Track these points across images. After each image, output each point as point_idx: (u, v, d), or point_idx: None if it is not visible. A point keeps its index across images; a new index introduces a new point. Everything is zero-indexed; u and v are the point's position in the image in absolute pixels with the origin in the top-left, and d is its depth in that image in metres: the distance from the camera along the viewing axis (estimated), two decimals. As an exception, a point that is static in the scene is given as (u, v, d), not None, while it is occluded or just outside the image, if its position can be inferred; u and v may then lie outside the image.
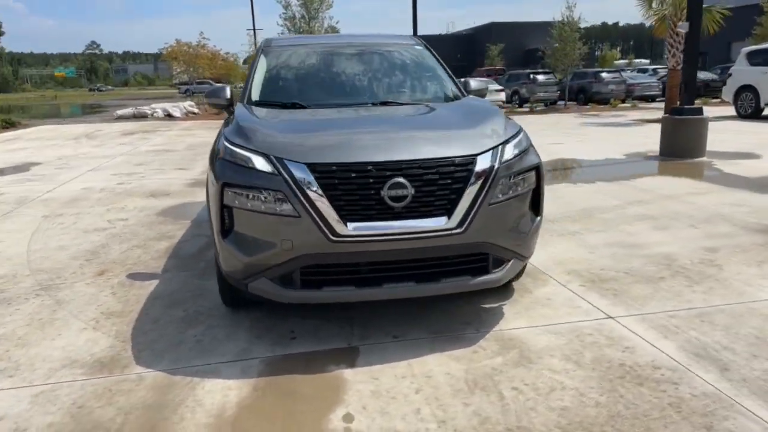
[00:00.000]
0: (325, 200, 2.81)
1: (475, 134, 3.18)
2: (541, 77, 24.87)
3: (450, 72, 4.52)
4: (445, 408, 2.53)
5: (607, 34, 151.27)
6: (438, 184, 2.90)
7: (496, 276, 3.13)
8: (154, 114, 24.02)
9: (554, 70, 23.91)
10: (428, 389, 2.69)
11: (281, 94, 4.11)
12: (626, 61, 67.73)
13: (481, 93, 4.44)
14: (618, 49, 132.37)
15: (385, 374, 2.83)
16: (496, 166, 3.01)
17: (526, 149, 3.28)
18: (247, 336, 3.29)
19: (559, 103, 24.36)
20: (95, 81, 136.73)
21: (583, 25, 24.72)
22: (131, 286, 4.18)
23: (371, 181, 2.83)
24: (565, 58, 21.98)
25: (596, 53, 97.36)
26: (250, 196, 2.91)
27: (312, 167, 2.84)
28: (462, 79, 4.51)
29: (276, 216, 2.86)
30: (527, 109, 23.12)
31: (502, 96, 24.58)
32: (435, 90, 4.31)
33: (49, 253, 5.01)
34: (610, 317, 3.42)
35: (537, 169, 3.26)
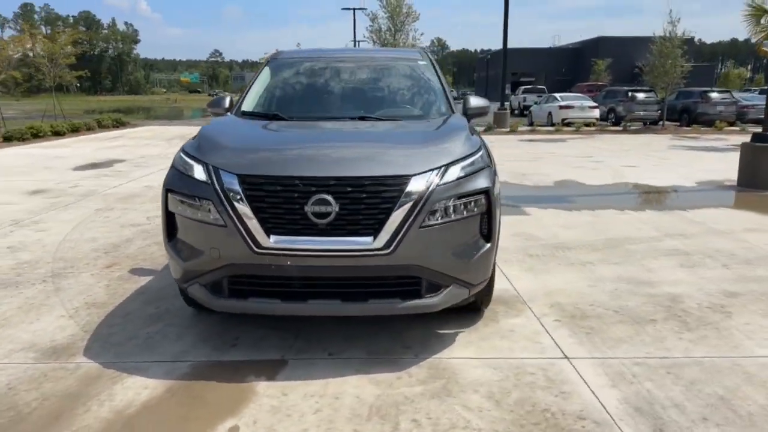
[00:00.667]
0: (250, 211, 2.85)
1: (422, 153, 3.08)
2: (640, 95, 23.40)
3: (447, 88, 4.40)
4: (332, 432, 2.47)
5: (736, 51, 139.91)
6: (365, 202, 2.85)
7: (430, 301, 3.00)
8: (249, 119, 25.32)
9: (653, 87, 22.39)
10: (328, 411, 2.63)
11: (267, 106, 4.21)
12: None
13: (479, 111, 4.28)
14: (749, 67, 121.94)
15: (296, 391, 2.81)
16: (432, 188, 2.89)
17: (477, 171, 3.12)
18: (193, 339, 3.39)
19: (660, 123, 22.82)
20: (215, 87, 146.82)
21: (709, 41, 22.87)
22: (128, 280, 4.45)
23: (296, 195, 2.84)
24: (665, 75, 20.52)
25: (721, 71, 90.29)
26: (187, 203, 3.02)
27: (242, 178, 2.90)
28: (464, 95, 4.38)
29: (206, 224, 2.95)
30: (621, 128, 21.88)
31: (596, 113, 23.44)
32: (421, 106, 4.21)
33: (77, 244, 5.46)
34: (566, 357, 3.16)
35: (486, 193, 3.10)
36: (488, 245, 3.16)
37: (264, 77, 4.54)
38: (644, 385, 2.86)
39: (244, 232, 2.84)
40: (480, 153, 3.25)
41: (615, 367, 3.05)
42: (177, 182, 3.11)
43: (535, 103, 27.36)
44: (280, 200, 2.85)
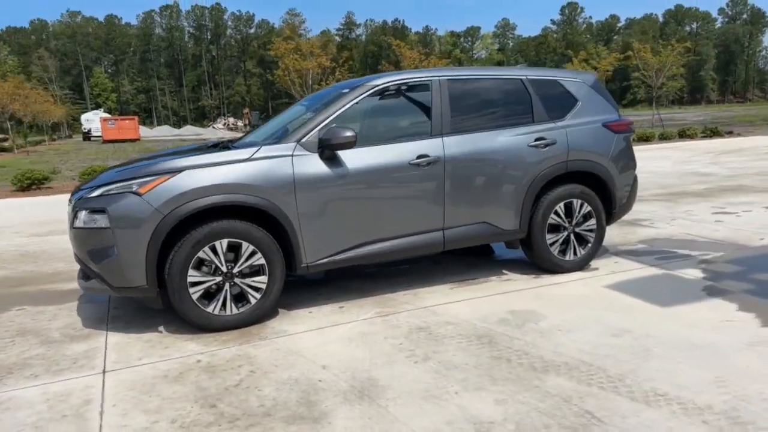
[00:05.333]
0: None
1: (116, 174, 4.07)
2: None
3: (327, 117, 4.19)
4: None
5: None
6: None
7: (83, 284, 4.07)
8: None
9: None
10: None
11: None
12: None
13: (336, 143, 3.98)
14: None
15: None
16: (80, 201, 3.95)
17: (110, 196, 3.81)
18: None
19: None
20: None
21: None
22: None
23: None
24: None
25: None
26: None
27: None
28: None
29: None
30: None
31: None
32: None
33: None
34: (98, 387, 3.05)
35: (104, 211, 3.76)
36: (113, 257, 3.74)
37: None
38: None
39: None
40: (125, 182, 3.82)
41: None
42: None
43: None
44: None
